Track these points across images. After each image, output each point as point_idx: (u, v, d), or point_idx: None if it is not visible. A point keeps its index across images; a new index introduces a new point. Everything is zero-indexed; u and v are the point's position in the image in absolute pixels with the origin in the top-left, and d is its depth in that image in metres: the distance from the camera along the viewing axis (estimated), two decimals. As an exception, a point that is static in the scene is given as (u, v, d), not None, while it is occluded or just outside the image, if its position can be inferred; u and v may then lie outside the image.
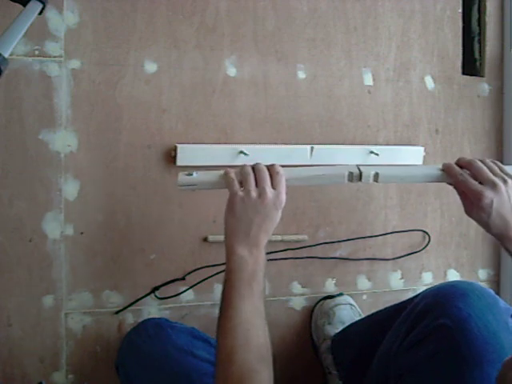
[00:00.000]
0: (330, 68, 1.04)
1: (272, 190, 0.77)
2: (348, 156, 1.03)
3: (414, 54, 1.10)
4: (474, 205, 0.82)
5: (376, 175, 0.83)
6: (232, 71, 0.98)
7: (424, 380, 0.73)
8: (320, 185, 0.93)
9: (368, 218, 1.08)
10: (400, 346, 0.77)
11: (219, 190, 0.90)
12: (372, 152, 1.03)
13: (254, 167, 0.79)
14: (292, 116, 1.02)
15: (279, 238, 1.02)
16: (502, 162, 1.16)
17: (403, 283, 1.12)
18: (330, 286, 1.07)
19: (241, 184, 0.78)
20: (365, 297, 1.10)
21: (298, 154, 1.00)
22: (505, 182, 0.81)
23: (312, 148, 1.00)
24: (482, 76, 1.16)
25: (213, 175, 0.82)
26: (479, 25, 1.16)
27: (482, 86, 1.16)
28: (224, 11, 0.97)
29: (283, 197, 0.78)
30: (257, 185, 0.77)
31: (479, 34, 1.16)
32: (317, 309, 1.06)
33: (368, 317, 1.00)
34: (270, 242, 1.00)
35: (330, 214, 1.05)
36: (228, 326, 0.69)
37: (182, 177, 0.80)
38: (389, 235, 1.10)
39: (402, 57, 1.09)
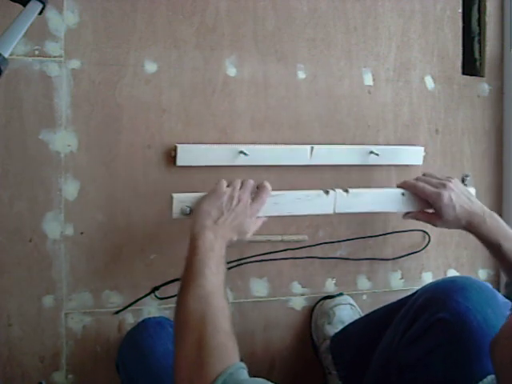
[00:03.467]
0: (330, 68, 1.04)
1: (249, 198, 0.85)
2: (348, 156, 1.03)
3: (414, 54, 1.10)
4: (437, 210, 0.94)
5: (346, 190, 0.95)
6: (232, 71, 0.98)
7: (424, 374, 0.73)
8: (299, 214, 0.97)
9: (368, 218, 1.08)
10: (400, 342, 0.78)
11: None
12: (372, 152, 1.03)
13: (243, 181, 0.87)
14: (292, 116, 1.02)
15: (279, 238, 1.02)
16: (501, 163, 1.18)
17: (403, 283, 1.12)
18: (330, 286, 1.07)
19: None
20: (365, 297, 1.10)
21: (298, 154, 1.00)
22: (449, 181, 0.95)
23: (312, 148, 1.00)
24: (482, 76, 1.16)
25: None
26: (479, 25, 1.16)
27: (482, 86, 1.16)
28: (224, 11, 0.97)
29: (256, 207, 0.85)
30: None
31: (479, 34, 1.16)
32: (317, 309, 1.06)
33: (366, 316, 1.00)
34: (270, 242, 1.01)
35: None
36: (202, 293, 0.71)
37: (177, 214, 0.88)
38: (389, 235, 1.10)
39: (401, 57, 1.09)
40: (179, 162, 0.93)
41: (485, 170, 1.17)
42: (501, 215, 1.18)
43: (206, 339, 0.65)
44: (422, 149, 1.09)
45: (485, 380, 0.66)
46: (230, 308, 0.71)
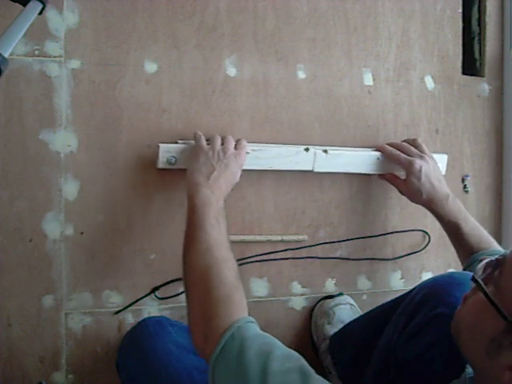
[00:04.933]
0: (330, 68, 1.04)
1: (234, 148, 0.88)
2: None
3: (414, 54, 1.10)
4: (406, 176, 0.98)
5: (325, 151, 0.99)
6: (232, 71, 0.98)
7: (424, 369, 0.73)
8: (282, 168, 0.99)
9: (368, 218, 1.09)
10: (399, 338, 0.78)
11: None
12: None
13: (223, 137, 0.90)
14: (292, 116, 1.02)
15: (279, 238, 1.02)
16: (501, 162, 1.18)
17: (403, 283, 1.12)
18: (330, 286, 1.07)
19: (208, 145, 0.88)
20: (365, 297, 1.10)
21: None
22: (430, 157, 0.99)
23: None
24: (482, 76, 1.16)
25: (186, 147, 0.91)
26: (479, 25, 1.16)
27: (482, 86, 1.16)
28: (224, 11, 0.97)
29: (243, 155, 0.89)
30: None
31: (479, 34, 1.16)
32: (317, 309, 1.06)
33: (364, 315, 1.00)
34: (270, 242, 1.02)
35: (330, 214, 1.05)
36: (203, 247, 0.72)
37: (163, 164, 0.90)
38: (389, 235, 1.10)
39: (402, 57, 1.09)
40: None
41: (485, 170, 1.17)
42: (501, 215, 1.19)
43: (212, 292, 0.66)
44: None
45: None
46: (233, 259, 0.72)
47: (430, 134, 1.12)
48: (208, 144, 0.89)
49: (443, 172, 1.07)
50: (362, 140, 1.07)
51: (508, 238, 1.15)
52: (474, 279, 0.58)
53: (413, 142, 1.02)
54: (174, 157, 0.90)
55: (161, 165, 0.91)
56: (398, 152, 1.00)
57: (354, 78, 1.06)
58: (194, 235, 0.74)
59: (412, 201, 1.01)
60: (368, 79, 1.07)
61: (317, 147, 0.99)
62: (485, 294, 0.56)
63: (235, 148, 0.90)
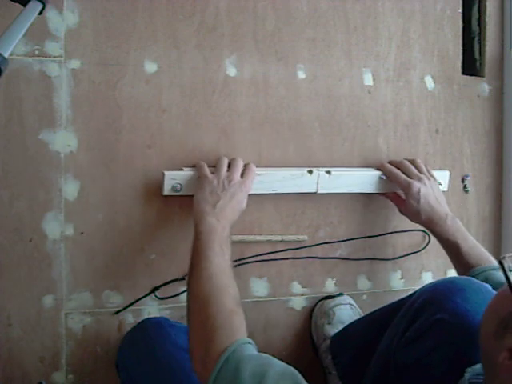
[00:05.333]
0: (330, 68, 1.04)
1: (239, 176, 0.89)
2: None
3: (414, 54, 1.10)
4: (405, 198, 0.99)
5: (328, 172, 0.99)
6: (232, 71, 0.98)
7: (423, 375, 0.73)
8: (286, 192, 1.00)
9: (368, 218, 1.09)
10: (399, 342, 0.78)
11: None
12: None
13: (232, 159, 0.91)
14: (292, 116, 1.02)
15: (279, 238, 1.02)
16: (501, 162, 1.18)
17: (403, 283, 1.12)
18: (330, 286, 1.07)
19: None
20: (365, 297, 1.10)
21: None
22: (428, 178, 1.00)
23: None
24: (482, 76, 1.16)
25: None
26: (479, 25, 1.16)
27: (482, 86, 1.16)
28: (224, 11, 0.97)
29: (249, 183, 0.89)
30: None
31: (479, 34, 1.16)
32: (317, 309, 1.06)
33: (366, 316, 1.00)
34: (270, 242, 1.02)
35: (330, 214, 1.05)
36: (205, 275, 0.74)
37: (168, 191, 0.91)
38: (389, 235, 1.10)
39: (402, 57, 1.09)
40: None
41: (485, 170, 1.17)
42: (501, 215, 1.19)
43: (209, 320, 0.69)
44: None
45: (474, 366, 0.66)
46: (234, 286, 0.74)
47: (430, 134, 1.12)
48: (215, 167, 0.90)
49: (445, 188, 1.08)
50: (361, 140, 1.07)
51: (508, 238, 1.15)
52: (500, 262, 0.59)
53: (413, 162, 1.03)
54: (179, 184, 0.90)
55: (166, 192, 0.91)
56: (398, 171, 1.01)
57: (354, 78, 1.06)
58: (197, 262, 0.77)
59: (411, 220, 1.03)
60: (368, 79, 1.07)
61: (320, 168, 0.99)
62: (504, 273, 0.57)
63: (242, 174, 0.90)
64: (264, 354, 0.64)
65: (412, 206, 0.98)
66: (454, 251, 0.96)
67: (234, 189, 0.87)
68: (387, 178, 1.02)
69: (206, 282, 0.73)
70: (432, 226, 0.98)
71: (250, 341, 0.67)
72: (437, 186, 1.01)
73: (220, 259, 0.77)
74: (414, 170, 1.01)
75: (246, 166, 0.92)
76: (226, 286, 0.73)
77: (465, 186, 1.16)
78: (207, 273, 0.74)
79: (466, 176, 1.15)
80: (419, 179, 0.99)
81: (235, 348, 0.63)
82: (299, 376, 0.60)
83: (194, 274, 0.76)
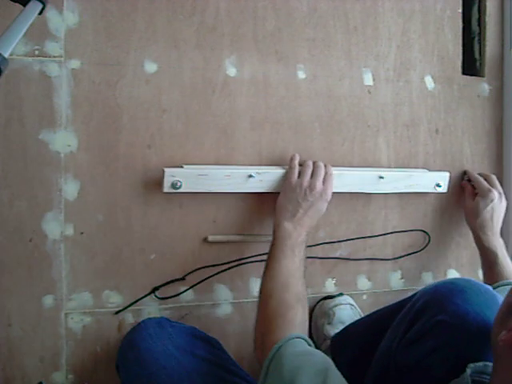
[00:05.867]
0: (330, 68, 1.04)
1: (322, 184, 0.93)
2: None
3: (414, 54, 1.10)
4: (476, 197, 1.06)
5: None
6: (232, 71, 0.98)
7: (423, 376, 0.73)
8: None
9: (368, 218, 1.09)
10: (399, 344, 0.78)
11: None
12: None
13: (314, 163, 0.96)
14: (292, 116, 1.02)
15: (279, 237, 1.02)
16: (501, 163, 1.18)
17: (403, 283, 1.12)
18: (330, 286, 1.07)
19: (299, 175, 0.94)
20: (365, 297, 1.10)
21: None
22: (503, 199, 1.08)
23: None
24: (482, 76, 1.16)
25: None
26: (479, 25, 1.16)
27: (482, 86, 1.16)
28: (224, 11, 0.97)
29: (329, 191, 0.94)
30: (311, 177, 0.93)
31: (479, 34, 1.16)
32: (317, 309, 1.06)
33: (366, 317, 1.00)
34: (270, 242, 1.01)
35: (330, 214, 1.05)
36: (271, 274, 0.83)
37: (167, 188, 0.91)
38: (389, 235, 1.10)
39: (401, 57, 1.09)
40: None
41: (485, 170, 1.16)
42: (501, 215, 1.19)
43: (270, 312, 0.77)
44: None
45: (477, 364, 0.66)
46: (296, 285, 0.81)
47: (430, 134, 1.12)
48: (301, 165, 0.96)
49: (445, 189, 1.09)
50: (361, 140, 1.07)
51: (508, 238, 1.15)
52: None
53: (489, 178, 1.10)
54: (179, 181, 0.90)
55: (166, 189, 0.91)
56: (481, 178, 1.09)
57: (354, 78, 1.06)
58: (269, 263, 0.85)
59: (467, 217, 1.09)
60: (368, 79, 1.07)
61: None
62: None
63: (324, 181, 0.94)
64: (309, 350, 0.70)
65: (478, 206, 1.05)
66: (491, 259, 1.01)
67: (314, 198, 0.92)
68: (471, 177, 1.10)
69: (271, 280, 0.81)
70: (480, 231, 1.04)
71: (302, 335, 0.73)
72: (504, 209, 1.08)
73: (288, 261, 0.84)
74: (498, 184, 1.09)
75: (326, 170, 0.96)
76: (289, 284, 0.80)
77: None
78: (274, 272, 0.82)
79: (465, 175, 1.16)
80: (500, 193, 1.07)
81: (283, 342, 0.70)
82: (331, 371, 0.65)
83: (265, 273, 0.84)
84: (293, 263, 0.84)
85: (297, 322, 0.75)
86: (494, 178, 1.10)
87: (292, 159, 0.96)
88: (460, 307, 0.71)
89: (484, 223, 1.04)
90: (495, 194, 1.05)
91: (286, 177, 0.95)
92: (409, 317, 0.78)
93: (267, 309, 0.78)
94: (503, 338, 0.57)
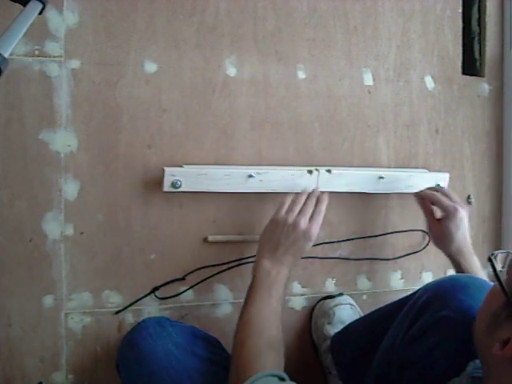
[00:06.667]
0: (330, 68, 1.04)
1: (307, 222, 0.88)
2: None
3: (414, 54, 1.10)
4: (443, 222, 0.96)
5: (328, 171, 0.99)
6: (232, 71, 0.98)
7: (426, 371, 0.74)
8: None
9: (368, 218, 1.09)
10: (402, 340, 0.78)
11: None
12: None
13: (309, 195, 0.93)
14: (292, 116, 1.02)
15: (279, 237, 1.02)
16: (501, 162, 1.18)
17: (403, 283, 1.12)
18: (330, 286, 1.07)
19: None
20: (365, 297, 1.10)
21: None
22: (466, 209, 0.97)
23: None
24: (482, 76, 1.16)
25: None
26: (479, 25, 1.16)
27: (482, 86, 1.16)
28: (224, 11, 0.97)
29: (314, 231, 0.88)
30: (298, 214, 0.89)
31: (479, 34, 1.16)
32: (317, 309, 1.06)
33: (366, 316, 1.00)
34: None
35: (330, 214, 1.05)
36: (245, 320, 0.80)
37: (167, 188, 0.91)
38: (389, 235, 1.10)
39: (401, 57, 1.09)
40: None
41: (485, 169, 1.17)
42: (501, 215, 1.19)
43: (241, 360, 0.74)
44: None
45: (476, 361, 0.66)
46: (271, 328, 0.78)
47: (430, 134, 1.12)
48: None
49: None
50: (361, 140, 1.07)
51: (508, 238, 1.15)
52: (489, 259, 0.61)
53: (443, 191, 1.00)
54: (179, 180, 0.90)
55: (166, 188, 0.91)
56: (440, 196, 0.98)
57: (354, 78, 1.06)
58: (245, 307, 0.82)
59: (437, 243, 1.01)
60: (368, 79, 1.07)
61: (320, 167, 0.99)
62: (494, 269, 0.60)
63: (311, 219, 0.89)
64: None
65: (450, 230, 0.95)
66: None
67: (296, 236, 0.87)
68: (428, 199, 1.00)
69: (244, 327, 0.78)
70: (459, 257, 0.95)
71: (275, 372, 0.71)
72: (467, 218, 0.99)
73: (264, 304, 0.81)
74: (455, 196, 0.99)
75: (316, 207, 0.91)
76: (263, 330, 0.77)
77: (468, 197, 1.16)
78: (248, 318, 0.79)
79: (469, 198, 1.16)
80: (462, 207, 0.96)
81: (252, 381, 0.68)
82: None
83: (241, 317, 0.81)
84: (268, 306, 0.81)
85: (267, 368, 0.72)
86: (447, 190, 1.01)
87: (288, 196, 0.92)
88: (463, 302, 0.71)
89: (461, 248, 0.95)
90: (461, 210, 0.95)
91: (276, 211, 0.91)
92: (412, 313, 0.78)
93: (240, 359, 0.75)
94: (500, 353, 0.56)
